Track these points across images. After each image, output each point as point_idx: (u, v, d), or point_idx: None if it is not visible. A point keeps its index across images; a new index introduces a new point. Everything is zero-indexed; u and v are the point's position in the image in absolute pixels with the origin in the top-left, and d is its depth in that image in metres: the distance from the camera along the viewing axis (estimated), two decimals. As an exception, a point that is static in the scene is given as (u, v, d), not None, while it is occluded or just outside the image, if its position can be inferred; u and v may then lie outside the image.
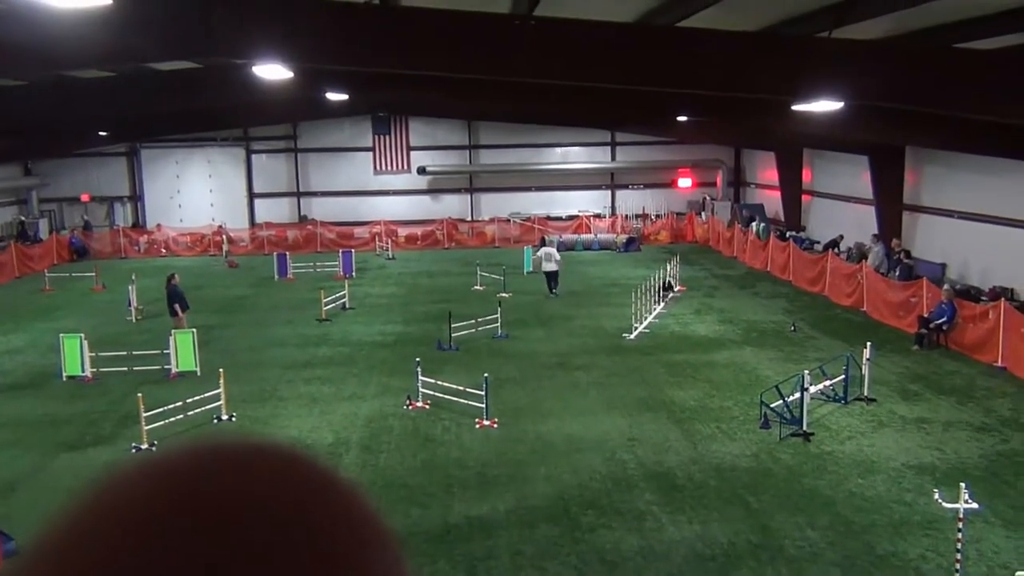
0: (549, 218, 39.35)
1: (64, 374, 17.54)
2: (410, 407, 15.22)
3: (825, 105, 15.57)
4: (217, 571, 0.62)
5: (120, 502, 0.67)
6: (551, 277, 25.57)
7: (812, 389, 14.03)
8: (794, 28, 13.75)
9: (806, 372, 13.83)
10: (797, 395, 13.68)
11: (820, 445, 13.25)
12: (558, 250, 27.31)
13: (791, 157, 32.54)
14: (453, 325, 19.61)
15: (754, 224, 31.57)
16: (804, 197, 33.05)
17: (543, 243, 27.87)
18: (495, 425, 14.27)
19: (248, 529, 0.65)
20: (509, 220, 38.77)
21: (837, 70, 12.34)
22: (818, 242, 30.22)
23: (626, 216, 39.57)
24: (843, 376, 15.17)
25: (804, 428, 13.48)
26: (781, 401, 13.72)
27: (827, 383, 15.21)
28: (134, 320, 23.09)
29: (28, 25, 10.82)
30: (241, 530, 0.65)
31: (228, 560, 0.63)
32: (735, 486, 11.84)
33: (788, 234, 30.89)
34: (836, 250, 26.89)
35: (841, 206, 29.95)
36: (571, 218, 39.52)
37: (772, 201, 35.06)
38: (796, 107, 17.63)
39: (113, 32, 10.86)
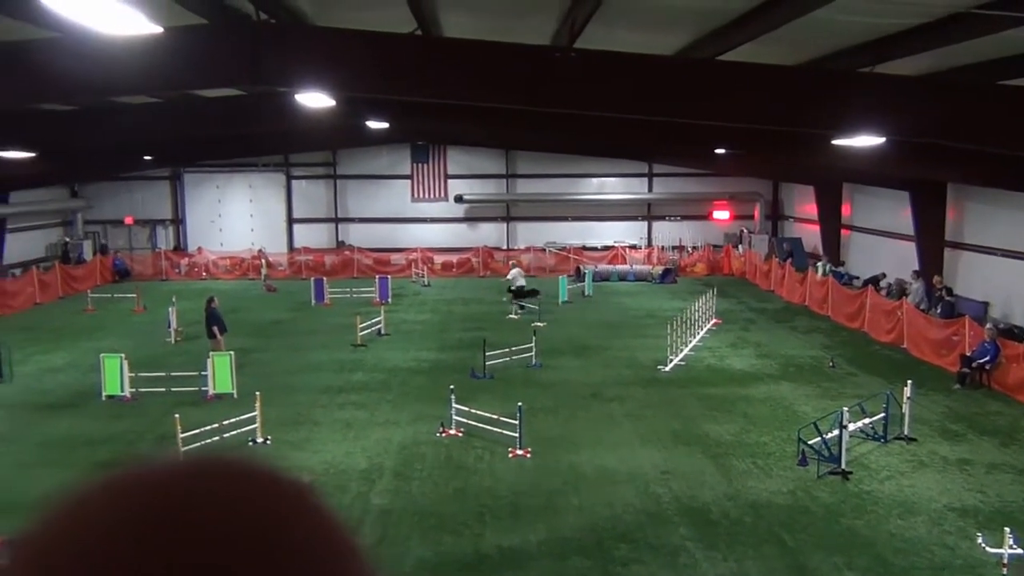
0: (585, 248, 39.33)
1: (104, 394, 17.79)
2: (443, 435, 15.22)
3: (866, 140, 15.48)
4: (183, 569, 0.64)
5: (90, 508, 0.70)
6: (519, 292, 27.74)
7: (851, 427, 13.81)
8: (835, 63, 13.72)
9: (845, 409, 13.63)
10: (835, 432, 13.48)
11: (859, 484, 13.01)
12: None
13: (830, 191, 32.31)
14: (487, 353, 19.62)
15: (819, 264, 30.89)
16: (843, 232, 32.75)
17: (514, 267, 30.74)
18: (528, 455, 14.21)
19: (217, 531, 0.67)
20: (545, 249, 38.85)
21: (878, 105, 12.26)
22: (857, 277, 29.89)
23: (662, 247, 39.47)
24: (883, 414, 14.93)
25: (842, 466, 13.26)
26: (819, 438, 13.52)
27: (866, 421, 14.96)
28: (173, 342, 23.40)
29: (80, 52, 11.11)
30: (211, 531, 0.67)
31: (196, 560, 0.65)
32: (771, 523, 11.66)
33: (819, 265, 30.59)
34: (876, 287, 26.55)
35: (881, 241, 29.64)
36: (607, 248, 39.50)
37: (811, 235, 34.80)
38: (836, 142, 17.55)
39: (162, 60, 11.12)
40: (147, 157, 35.20)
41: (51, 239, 37.86)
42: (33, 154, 25.24)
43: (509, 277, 28.91)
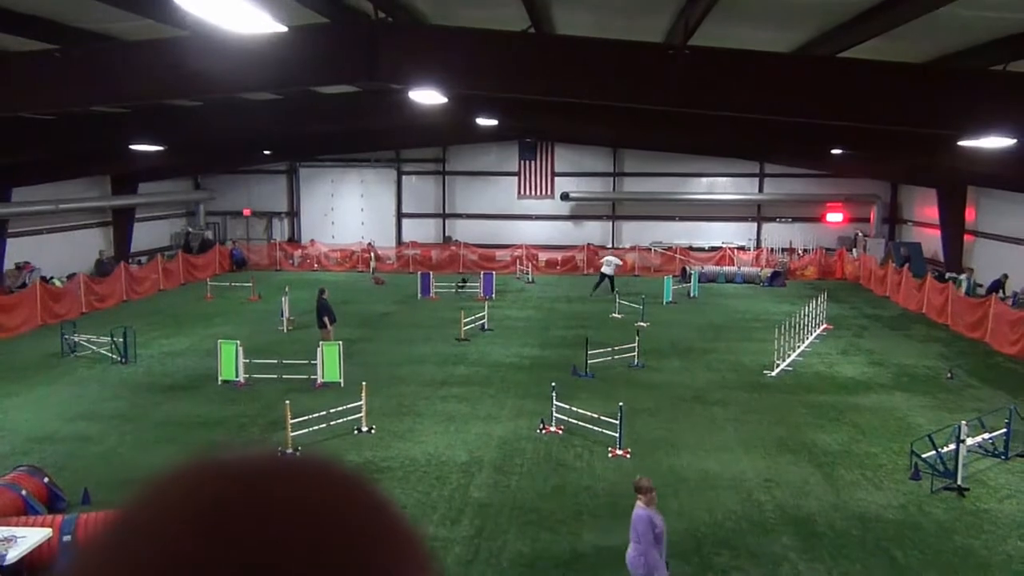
0: (691, 248, 38.78)
1: (220, 378, 18.55)
2: (543, 431, 15.27)
3: (995, 141, 14.75)
4: (255, 564, 0.68)
5: (173, 495, 0.74)
6: (606, 279, 30.25)
7: (969, 441, 13.20)
8: (965, 60, 13.11)
9: (963, 423, 13.04)
10: (952, 446, 12.91)
11: (976, 502, 12.44)
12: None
13: (954, 194, 30.88)
14: (589, 352, 19.58)
15: (963, 277, 29.44)
16: (967, 237, 31.27)
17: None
18: (628, 455, 14.13)
19: (289, 526, 0.71)
20: (650, 249, 38.48)
21: (1011, 105, 11.67)
22: (981, 285, 28.51)
23: (771, 250, 38.54)
24: (1004, 430, 14.20)
25: (958, 482, 12.70)
26: (934, 452, 12.98)
27: (986, 436, 14.28)
28: (285, 330, 24.20)
29: (209, 50, 11.61)
30: (283, 527, 0.70)
31: (268, 554, 0.68)
32: (880, 538, 11.27)
33: (948, 276, 29.28)
34: (1000, 293, 25.26)
35: (1008, 248, 28.20)
36: (714, 249, 38.83)
37: (931, 240, 33.38)
38: (963, 142, 16.79)
39: (286, 57, 11.51)
40: (266, 151, 36.55)
41: (175, 229, 39.72)
42: (161, 148, 26.53)
43: (602, 260, 31.80)
